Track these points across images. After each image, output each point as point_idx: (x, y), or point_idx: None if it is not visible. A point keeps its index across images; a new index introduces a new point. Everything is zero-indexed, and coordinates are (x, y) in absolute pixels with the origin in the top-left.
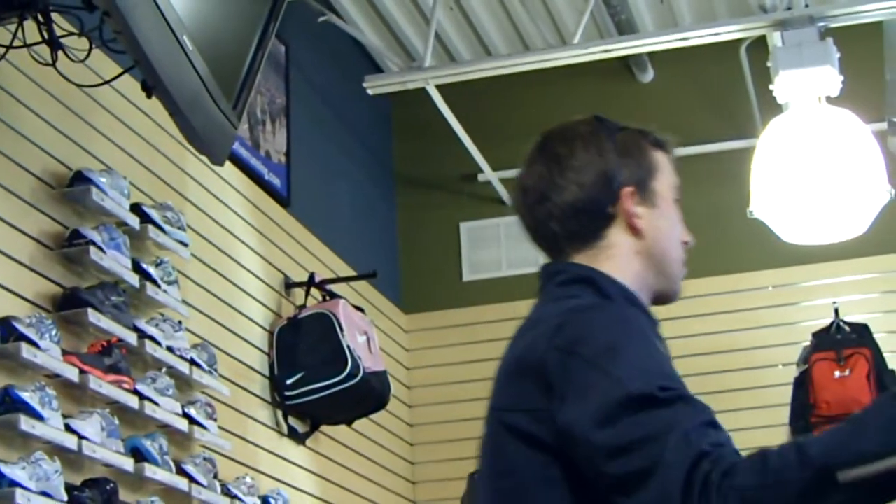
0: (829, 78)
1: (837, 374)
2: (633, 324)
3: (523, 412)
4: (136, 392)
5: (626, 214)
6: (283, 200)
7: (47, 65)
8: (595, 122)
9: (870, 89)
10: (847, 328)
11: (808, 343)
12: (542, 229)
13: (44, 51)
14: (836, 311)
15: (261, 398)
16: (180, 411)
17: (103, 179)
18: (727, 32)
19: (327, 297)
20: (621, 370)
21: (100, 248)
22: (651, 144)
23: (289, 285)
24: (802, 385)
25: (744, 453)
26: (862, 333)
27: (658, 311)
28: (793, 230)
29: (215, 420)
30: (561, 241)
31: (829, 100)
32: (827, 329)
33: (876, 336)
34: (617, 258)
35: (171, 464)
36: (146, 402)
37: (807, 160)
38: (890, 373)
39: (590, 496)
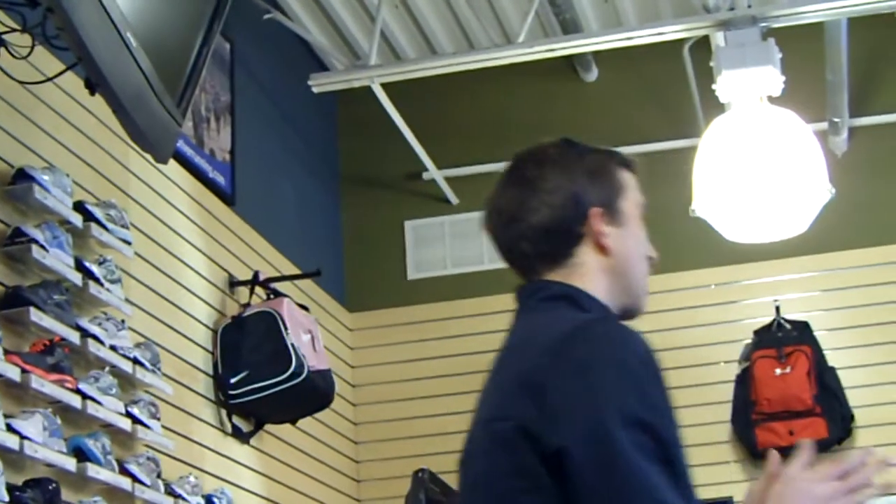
0: (771, 78)
1: (778, 371)
2: (638, 355)
3: (515, 422)
4: (78, 391)
5: (594, 234)
6: (227, 199)
7: None
8: (564, 145)
9: (811, 89)
10: (788, 326)
11: (749, 341)
12: (515, 249)
13: None
14: (778, 308)
15: (205, 397)
16: (123, 410)
17: (46, 177)
18: (671, 32)
19: (271, 296)
20: (634, 447)
21: (42, 247)
22: (618, 165)
23: (233, 284)
24: (744, 382)
25: (686, 449)
26: (802, 331)
27: None
28: (735, 228)
29: (159, 419)
30: (532, 261)
31: (770, 99)
32: (768, 327)
33: (816, 334)
34: (587, 276)
35: (115, 463)
36: (89, 402)
37: (749, 159)
38: (830, 370)
39: None
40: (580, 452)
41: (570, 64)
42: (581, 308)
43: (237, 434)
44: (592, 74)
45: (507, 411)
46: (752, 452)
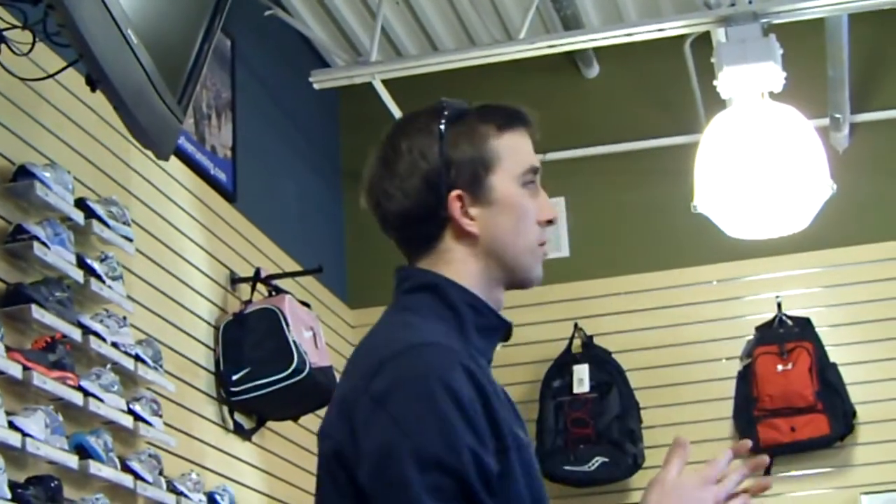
0: (773, 74)
1: (780, 367)
2: (446, 387)
3: (334, 443)
4: (80, 388)
5: (454, 220)
6: (228, 195)
7: None
8: (433, 113)
9: (812, 85)
10: (790, 322)
11: (751, 337)
12: (386, 234)
13: None
14: (779, 305)
15: (206, 394)
16: (125, 407)
17: (47, 174)
18: (672, 28)
19: (273, 293)
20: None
21: (43, 244)
22: (494, 130)
23: (234, 280)
24: (746, 379)
25: (519, 479)
26: (804, 327)
27: (602, 307)
28: (736, 225)
29: (160, 416)
30: (401, 247)
31: (772, 95)
32: (770, 323)
33: (818, 330)
34: (455, 262)
35: (116, 460)
36: (91, 399)
37: (750, 155)
38: (831, 367)
39: None
40: (376, 492)
41: (572, 60)
42: (443, 300)
43: (239, 431)
44: (593, 70)
45: (330, 429)
46: (754, 449)
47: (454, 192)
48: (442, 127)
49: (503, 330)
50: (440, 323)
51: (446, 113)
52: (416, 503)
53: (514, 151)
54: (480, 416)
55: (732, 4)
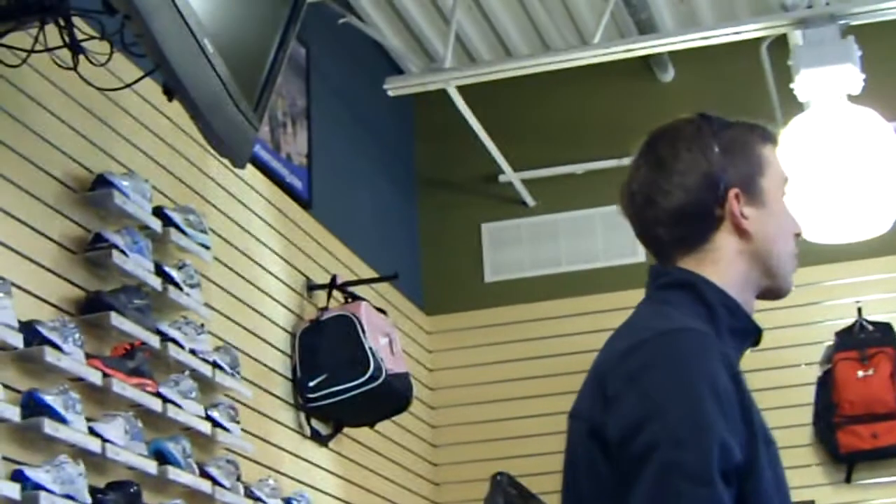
0: (851, 76)
1: (861, 373)
2: (697, 371)
3: (587, 422)
4: (159, 395)
5: (733, 217)
6: (304, 202)
7: (69, 69)
8: (700, 121)
9: (892, 87)
10: (870, 327)
11: (831, 342)
12: (650, 234)
13: (65, 55)
14: (859, 310)
15: (283, 400)
16: (203, 414)
17: (125, 183)
18: (748, 31)
19: (349, 299)
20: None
21: (122, 252)
22: (759, 139)
23: (311, 287)
24: (825, 385)
25: (760, 471)
26: (885, 332)
27: None
28: (815, 229)
29: (238, 422)
30: (667, 246)
31: (850, 98)
32: (850, 328)
33: None
34: (721, 262)
35: (195, 466)
36: (169, 405)
37: (829, 159)
38: None
39: None
40: (623, 466)
41: (647, 64)
42: (700, 298)
43: (316, 437)
44: (669, 75)
45: (582, 409)
46: (835, 455)
47: (733, 190)
48: (716, 130)
49: (755, 334)
50: (696, 319)
51: (711, 122)
52: (658, 479)
53: (776, 161)
54: (734, 404)
55: (809, 6)
